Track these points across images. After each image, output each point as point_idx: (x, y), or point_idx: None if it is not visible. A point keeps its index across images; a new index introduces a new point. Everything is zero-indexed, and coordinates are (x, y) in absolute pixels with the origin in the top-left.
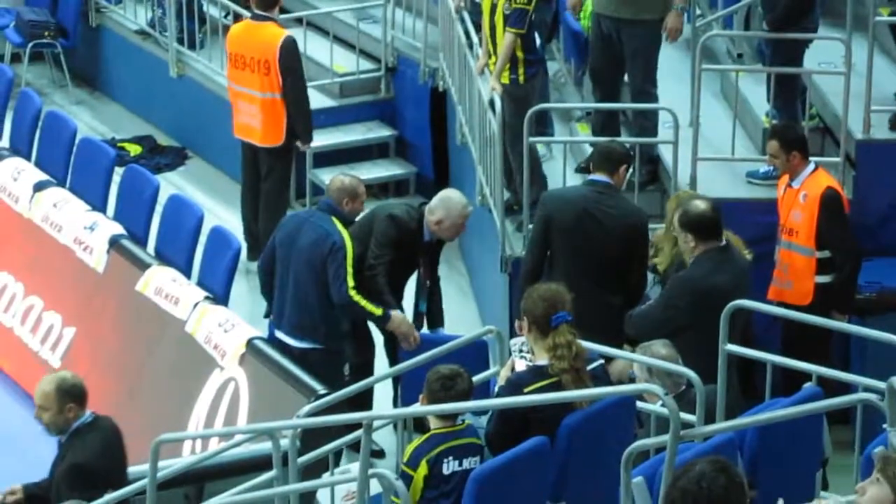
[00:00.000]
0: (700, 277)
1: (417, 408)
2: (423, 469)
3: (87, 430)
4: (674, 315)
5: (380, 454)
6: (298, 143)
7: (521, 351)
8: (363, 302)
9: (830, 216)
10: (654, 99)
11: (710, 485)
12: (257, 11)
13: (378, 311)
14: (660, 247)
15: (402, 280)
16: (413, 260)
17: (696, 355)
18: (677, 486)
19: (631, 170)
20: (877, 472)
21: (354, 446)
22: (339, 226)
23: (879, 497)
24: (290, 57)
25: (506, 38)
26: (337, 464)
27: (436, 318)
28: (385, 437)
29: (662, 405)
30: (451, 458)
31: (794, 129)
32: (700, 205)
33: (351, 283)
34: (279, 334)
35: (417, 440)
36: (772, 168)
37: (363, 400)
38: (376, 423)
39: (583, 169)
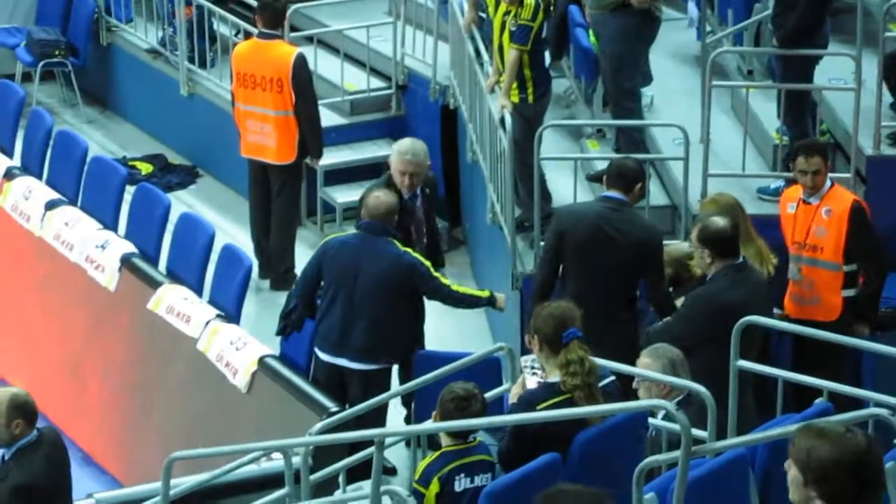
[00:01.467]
0: (716, 294)
1: (429, 425)
2: (434, 486)
3: (31, 450)
4: (690, 331)
5: (391, 471)
6: (308, 160)
7: (532, 368)
8: (467, 291)
9: (860, 229)
10: (634, 113)
11: None
12: (264, 30)
13: (486, 294)
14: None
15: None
16: (406, 225)
17: (714, 372)
18: None
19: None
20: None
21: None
22: (401, 245)
23: (794, 478)
24: (303, 74)
25: (510, 55)
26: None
27: (437, 260)
28: (396, 454)
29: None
30: (462, 475)
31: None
32: (719, 221)
33: (447, 282)
34: (338, 360)
35: (429, 458)
36: (782, 184)
37: (377, 416)
38: (388, 441)
39: (593, 178)
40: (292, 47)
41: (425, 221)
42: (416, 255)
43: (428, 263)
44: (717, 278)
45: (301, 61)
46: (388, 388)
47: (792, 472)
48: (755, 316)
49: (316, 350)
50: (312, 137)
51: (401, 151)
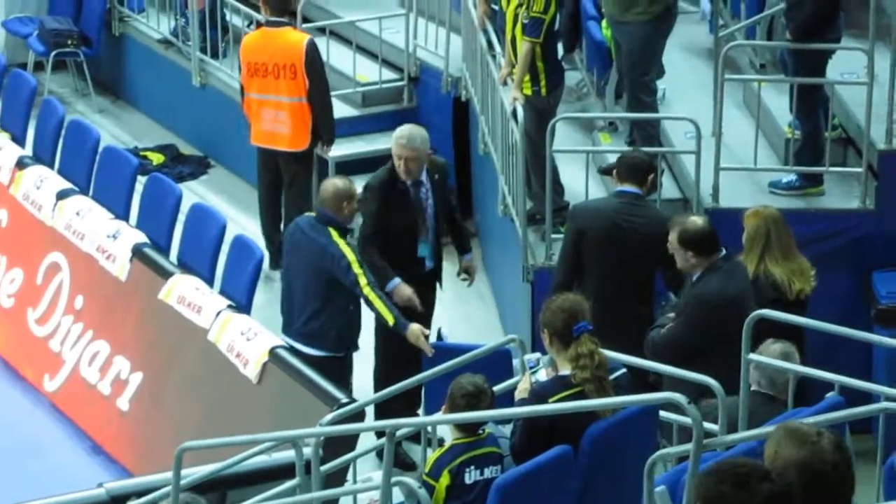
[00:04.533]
0: (717, 291)
1: (440, 416)
2: (444, 479)
3: None
4: (698, 334)
5: (412, 467)
6: (319, 149)
7: (532, 367)
8: (378, 302)
9: None
10: (651, 108)
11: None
12: (271, 18)
13: (391, 320)
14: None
15: (413, 241)
16: (411, 214)
17: (728, 368)
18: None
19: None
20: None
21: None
22: (335, 235)
23: None
24: (316, 59)
25: (522, 47)
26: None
27: (463, 244)
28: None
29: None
30: (472, 467)
31: None
32: (697, 220)
33: (363, 281)
34: (289, 340)
35: (439, 450)
36: (794, 178)
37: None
38: (399, 432)
39: (605, 171)
40: (302, 33)
41: (439, 207)
42: (343, 247)
43: (351, 258)
44: (710, 276)
45: (312, 46)
46: (342, 378)
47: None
48: (765, 310)
49: None
50: (325, 123)
51: (397, 136)
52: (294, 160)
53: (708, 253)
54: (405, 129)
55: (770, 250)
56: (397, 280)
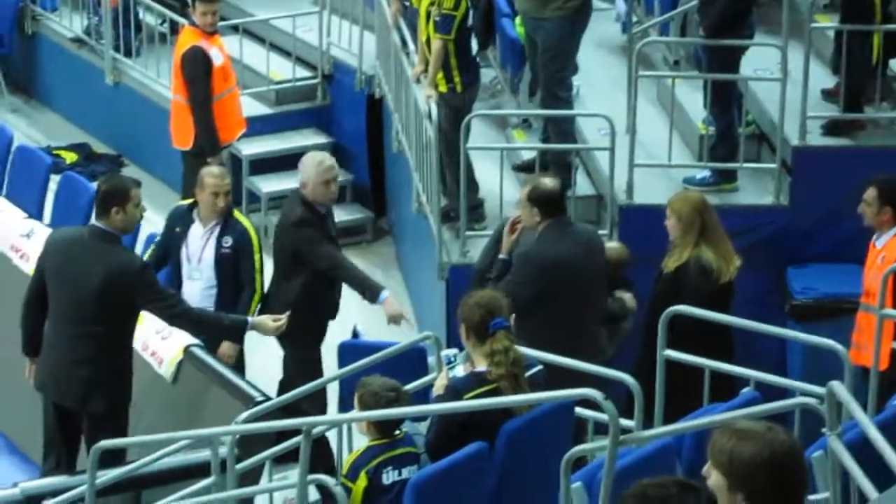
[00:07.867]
0: (541, 252)
1: (356, 414)
2: (362, 481)
3: None
4: (522, 291)
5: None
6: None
7: (449, 363)
8: None
9: None
10: (566, 104)
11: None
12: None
13: None
14: (675, 245)
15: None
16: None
17: (554, 328)
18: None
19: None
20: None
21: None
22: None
23: (717, 483)
24: (189, 67)
25: (434, 45)
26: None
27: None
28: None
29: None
30: (390, 468)
31: None
32: (549, 182)
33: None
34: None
35: (356, 452)
36: (708, 174)
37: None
38: (315, 430)
39: (520, 167)
40: (189, 38)
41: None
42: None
43: None
44: (542, 237)
45: (187, 54)
46: None
47: (714, 477)
48: (681, 306)
49: None
50: (200, 132)
51: (321, 161)
52: (184, 158)
53: (551, 214)
54: (322, 154)
55: (705, 235)
56: (387, 292)
